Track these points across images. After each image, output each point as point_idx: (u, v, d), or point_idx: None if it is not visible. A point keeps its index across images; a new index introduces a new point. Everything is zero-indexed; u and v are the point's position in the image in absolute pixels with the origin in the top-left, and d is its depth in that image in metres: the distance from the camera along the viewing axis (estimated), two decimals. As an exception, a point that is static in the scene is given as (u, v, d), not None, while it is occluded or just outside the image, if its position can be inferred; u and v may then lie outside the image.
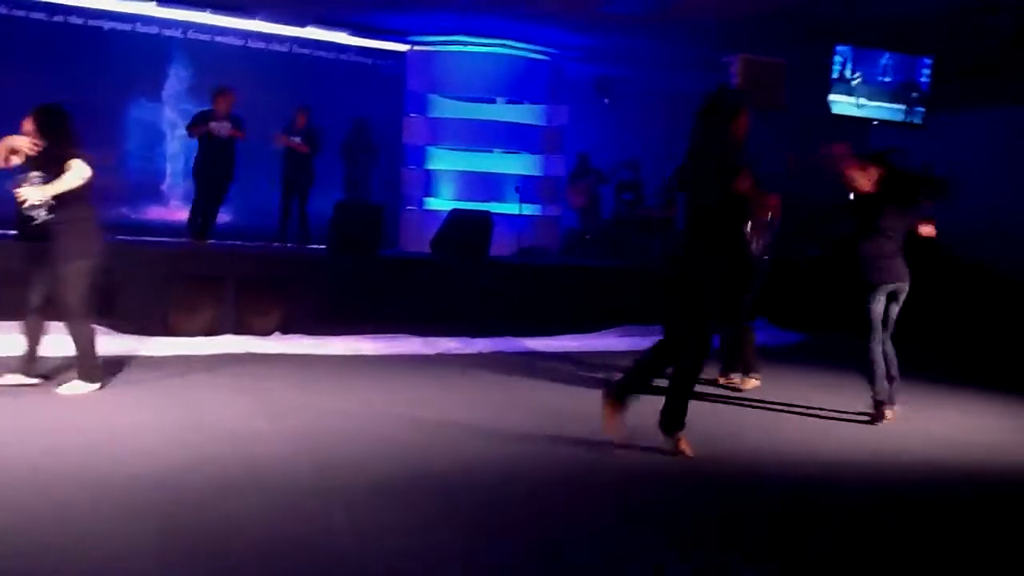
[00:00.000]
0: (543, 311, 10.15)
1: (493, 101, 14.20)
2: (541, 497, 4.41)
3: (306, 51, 13.59)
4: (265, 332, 8.63)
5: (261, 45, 13.32)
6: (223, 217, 10.98)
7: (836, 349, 9.08)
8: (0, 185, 6.18)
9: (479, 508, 4.16)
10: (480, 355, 8.76)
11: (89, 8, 12.29)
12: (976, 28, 9.95)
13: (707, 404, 6.72)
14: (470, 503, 4.22)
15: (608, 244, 13.80)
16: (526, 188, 13.73)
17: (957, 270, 11.84)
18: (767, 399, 7.08)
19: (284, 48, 13.46)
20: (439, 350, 8.79)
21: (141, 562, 3.29)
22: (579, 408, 6.23)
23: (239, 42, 13.18)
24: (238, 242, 11.33)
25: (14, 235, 6.17)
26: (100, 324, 7.93)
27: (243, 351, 8.02)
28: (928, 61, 12.33)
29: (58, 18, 12.17)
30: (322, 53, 13.69)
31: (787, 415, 6.64)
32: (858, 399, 6.65)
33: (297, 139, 11.34)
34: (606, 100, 14.71)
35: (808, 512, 4.48)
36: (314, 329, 8.82)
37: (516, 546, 3.74)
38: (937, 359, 9.59)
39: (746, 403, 6.97)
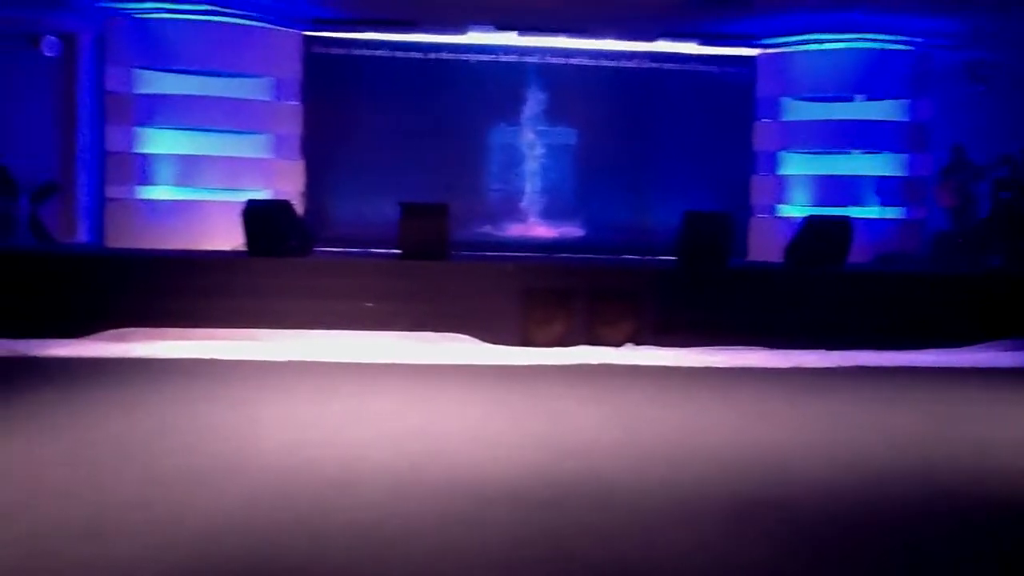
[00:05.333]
0: (907, 322, 9.43)
1: (850, 99, 13.49)
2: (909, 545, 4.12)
3: (653, 65, 13.87)
4: (616, 343, 8.87)
5: (611, 63, 13.79)
6: (576, 232, 11.57)
7: None
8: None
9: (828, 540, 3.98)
10: (839, 369, 8.34)
11: (457, 44, 13.47)
12: None
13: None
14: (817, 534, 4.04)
15: (984, 248, 12.51)
16: (888, 189, 12.88)
17: None
18: None
19: (632, 64, 13.82)
20: (794, 363, 8.49)
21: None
22: (950, 435, 5.70)
23: (591, 62, 13.75)
24: (590, 256, 11.79)
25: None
26: (464, 334, 8.77)
27: (597, 362, 8.31)
28: None
29: (431, 55, 13.49)
30: (668, 65, 13.90)
31: None
32: None
33: None
34: (981, 88, 13.35)
35: None
36: (664, 340, 8.91)
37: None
38: None
39: None
